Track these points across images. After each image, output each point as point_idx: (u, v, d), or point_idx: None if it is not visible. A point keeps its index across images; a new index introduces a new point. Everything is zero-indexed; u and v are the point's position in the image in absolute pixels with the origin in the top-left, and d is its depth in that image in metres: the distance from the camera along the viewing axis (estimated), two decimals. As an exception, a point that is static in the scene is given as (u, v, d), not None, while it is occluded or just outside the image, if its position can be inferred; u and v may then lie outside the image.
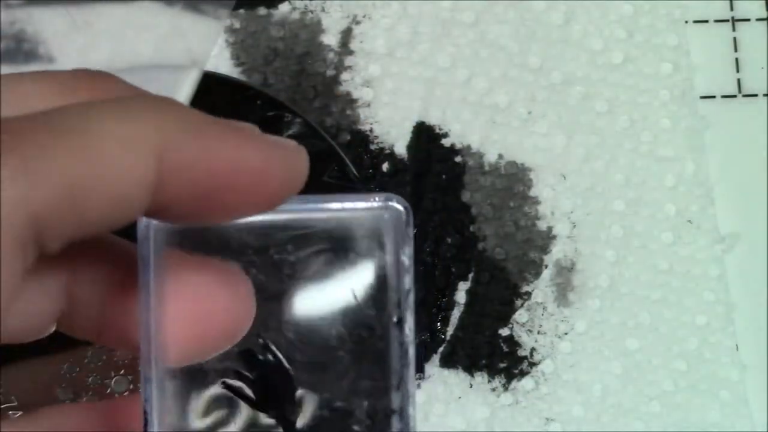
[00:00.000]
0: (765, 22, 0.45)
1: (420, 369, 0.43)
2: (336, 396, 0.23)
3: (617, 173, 0.44)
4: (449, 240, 0.43)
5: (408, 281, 0.23)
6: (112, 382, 0.40)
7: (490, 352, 0.43)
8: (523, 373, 0.43)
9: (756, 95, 0.45)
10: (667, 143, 0.44)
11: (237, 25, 0.44)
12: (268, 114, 0.42)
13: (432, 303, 0.43)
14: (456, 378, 0.43)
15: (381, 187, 0.43)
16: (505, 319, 0.43)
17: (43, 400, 0.40)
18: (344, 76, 0.44)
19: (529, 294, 0.43)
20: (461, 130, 0.44)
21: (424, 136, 0.44)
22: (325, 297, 0.23)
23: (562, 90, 0.44)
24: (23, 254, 0.19)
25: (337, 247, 0.24)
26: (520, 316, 0.43)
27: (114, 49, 0.44)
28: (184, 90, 0.42)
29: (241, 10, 0.44)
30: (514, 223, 0.43)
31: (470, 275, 0.43)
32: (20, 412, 0.39)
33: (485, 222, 0.43)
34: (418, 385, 0.43)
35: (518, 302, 0.43)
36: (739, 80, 0.45)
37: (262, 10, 0.44)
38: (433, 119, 0.44)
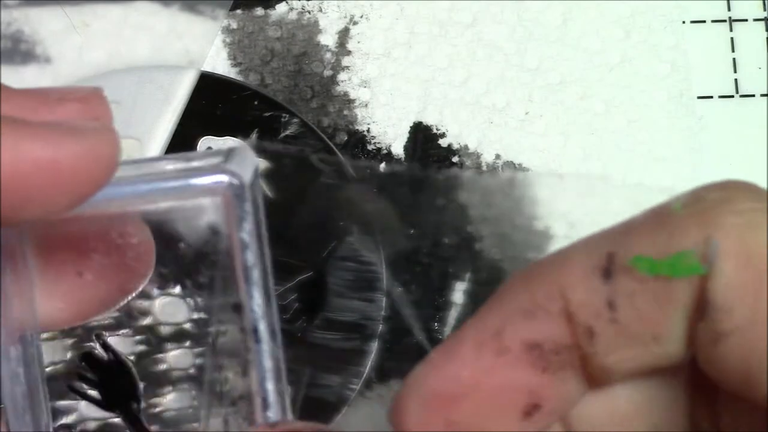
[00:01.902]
0: (762, 23, 0.45)
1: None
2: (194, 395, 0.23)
3: (614, 174, 0.44)
4: (446, 240, 0.43)
5: (250, 258, 0.22)
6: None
7: (487, 353, 0.43)
8: (520, 374, 0.43)
9: (753, 95, 0.45)
10: (664, 144, 0.44)
11: (234, 25, 0.44)
12: (265, 114, 0.42)
13: (429, 303, 0.43)
14: (453, 378, 0.43)
15: (379, 187, 0.43)
16: (502, 319, 0.43)
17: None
18: (341, 76, 0.44)
19: (526, 294, 0.43)
20: (458, 131, 0.44)
21: (422, 136, 0.44)
22: (159, 290, 0.23)
23: (560, 90, 0.44)
24: None
25: (167, 240, 0.23)
26: (517, 316, 0.43)
27: (111, 50, 0.44)
28: (181, 90, 0.42)
29: (239, 11, 0.44)
30: (511, 223, 0.43)
31: (467, 275, 0.43)
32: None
33: (482, 222, 0.43)
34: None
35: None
36: (736, 80, 0.45)
37: (259, 11, 0.44)
38: (430, 119, 0.44)
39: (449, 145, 0.44)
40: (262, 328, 0.22)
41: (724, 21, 0.45)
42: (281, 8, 0.44)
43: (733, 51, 0.45)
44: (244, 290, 0.22)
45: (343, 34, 0.44)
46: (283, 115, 0.42)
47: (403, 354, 0.43)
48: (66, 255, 0.23)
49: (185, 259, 0.23)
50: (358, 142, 0.44)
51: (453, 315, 0.43)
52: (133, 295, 0.23)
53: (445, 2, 0.44)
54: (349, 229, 0.41)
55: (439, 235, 0.43)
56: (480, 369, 0.21)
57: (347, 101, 0.44)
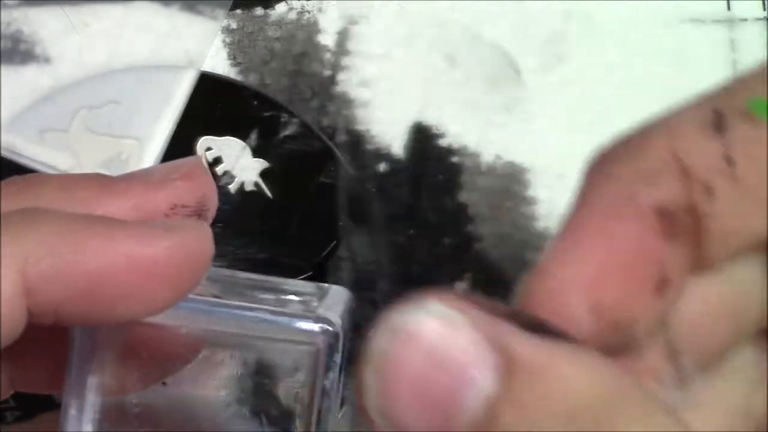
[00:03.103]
0: (762, 22, 0.45)
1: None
2: None
3: (614, 174, 0.44)
4: (446, 240, 0.43)
5: (326, 404, 0.23)
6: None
7: (487, 353, 0.43)
8: (519, 374, 0.43)
9: (753, 95, 0.45)
10: (664, 143, 0.44)
11: (234, 25, 0.44)
12: (265, 114, 0.42)
13: (429, 303, 0.43)
14: (453, 378, 0.43)
15: (378, 188, 0.43)
16: (502, 319, 0.43)
17: (42, 401, 0.40)
18: (341, 76, 0.44)
19: (525, 294, 0.43)
20: (458, 131, 0.44)
21: (421, 136, 0.44)
22: (235, 415, 0.24)
23: (560, 90, 0.44)
24: None
25: (251, 372, 0.24)
26: (517, 316, 0.43)
27: (111, 50, 0.44)
28: (180, 90, 0.42)
29: (238, 11, 0.44)
30: (511, 223, 0.43)
31: (467, 275, 0.43)
32: (18, 412, 0.39)
33: (482, 222, 0.43)
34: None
35: (515, 303, 0.43)
36: (736, 80, 0.45)
37: (259, 11, 0.44)
38: (429, 119, 0.44)
39: (449, 145, 0.44)
40: None
41: (725, 21, 0.45)
42: (281, 8, 0.44)
43: (733, 51, 0.45)
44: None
45: (343, 35, 0.44)
46: (283, 115, 0.42)
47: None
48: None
49: (262, 389, 0.24)
50: (357, 142, 0.44)
51: (453, 315, 0.43)
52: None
53: (445, 2, 0.44)
54: (349, 229, 0.41)
55: (439, 235, 0.43)
56: (617, 242, 0.20)
57: (347, 101, 0.44)
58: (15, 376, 0.25)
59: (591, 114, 0.44)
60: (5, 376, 0.24)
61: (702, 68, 0.45)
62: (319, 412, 0.23)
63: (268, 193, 0.41)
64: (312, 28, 0.44)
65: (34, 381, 0.25)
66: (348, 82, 0.44)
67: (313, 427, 0.23)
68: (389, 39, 0.44)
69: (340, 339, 0.23)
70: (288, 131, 0.42)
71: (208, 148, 0.41)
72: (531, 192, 0.44)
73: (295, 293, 0.24)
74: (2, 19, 0.44)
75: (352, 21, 0.44)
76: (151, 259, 0.21)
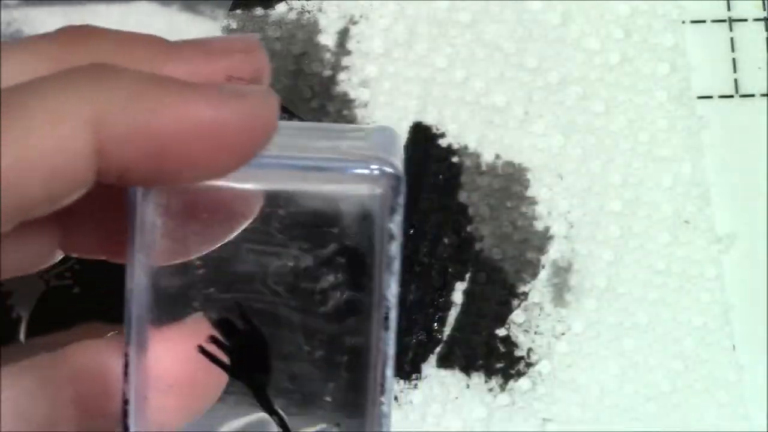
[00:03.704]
0: (762, 23, 0.45)
1: (417, 369, 0.43)
2: (308, 369, 0.23)
3: (614, 173, 0.44)
4: (446, 240, 0.43)
5: (394, 249, 0.22)
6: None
7: (487, 353, 0.43)
8: (520, 374, 0.43)
9: (753, 95, 0.45)
10: (664, 143, 0.44)
11: (234, 25, 0.44)
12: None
13: (429, 303, 0.43)
14: (453, 378, 0.43)
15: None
16: (502, 319, 0.43)
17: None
18: (341, 76, 0.44)
19: (526, 294, 0.43)
20: (458, 131, 0.44)
21: (421, 136, 0.44)
22: (308, 271, 0.23)
23: (559, 90, 0.44)
24: None
25: (322, 224, 0.23)
26: (517, 316, 0.43)
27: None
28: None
29: (238, 11, 0.44)
30: (511, 223, 0.43)
31: (467, 275, 0.43)
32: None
33: (482, 222, 0.43)
34: (415, 386, 0.43)
35: (515, 302, 0.43)
36: (736, 80, 0.45)
37: (258, 11, 0.44)
38: (430, 119, 0.44)
39: (449, 145, 0.44)
40: (392, 317, 0.22)
41: (724, 21, 0.45)
42: (281, 8, 0.44)
43: (733, 51, 0.45)
44: (384, 279, 0.22)
45: (343, 34, 0.44)
46: (283, 115, 0.42)
47: (403, 354, 0.43)
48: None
49: (326, 240, 0.23)
50: (357, 142, 0.44)
51: (453, 315, 0.43)
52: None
53: (445, 2, 0.44)
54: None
55: (439, 235, 0.43)
56: None
57: (347, 101, 0.44)
58: (63, 238, 0.24)
59: (591, 114, 0.44)
60: (53, 239, 0.24)
61: (702, 68, 0.45)
62: (388, 258, 0.22)
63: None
64: (312, 28, 0.44)
65: (82, 244, 0.24)
66: (348, 82, 0.44)
67: (383, 271, 0.22)
68: (389, 39, 0.44)
69: (402, 181, 0.22)
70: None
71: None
72: (531, 192, 0.44)
73: (349, 137, 0.24)
74: (2, 19, 0.44)
75: (352, 21, 0.44)
76: (224, 123, 0.21)
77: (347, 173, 0.23)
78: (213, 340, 0.23)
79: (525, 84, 0.44)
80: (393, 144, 0.24)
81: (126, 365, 0.22)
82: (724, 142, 0.44)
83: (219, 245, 0.23)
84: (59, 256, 0.24)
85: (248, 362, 0.23)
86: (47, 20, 0.44)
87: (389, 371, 0.23)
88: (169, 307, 0.23)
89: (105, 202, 0.23)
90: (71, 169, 0.20)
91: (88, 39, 0.22)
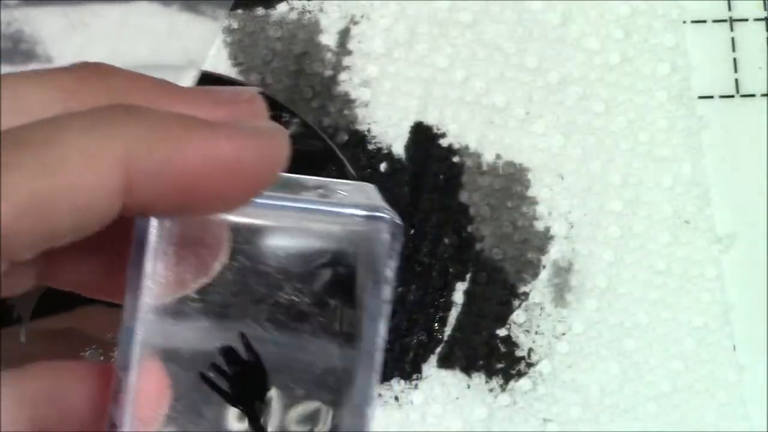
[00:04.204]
0: (763, 22, 0.45)
1: (417, 369, 0.43)
2: (302, 396, 0.24)
3: (614, 173, 0.44)
4: (447, 240, 0.43)
5: (387, 293, 0.23)
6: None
7: (488, 353, 0.43)
8: (520, 374, 0.43)
9: (754, 95, 0.45)
10: (664, 143, 0.44)
11: (235, 25, 0.44)
12: (266, 114, 0.42)
13: (429, 303, 0.43)
14: (453, 379, 0.43)
15: (379, 187, 0.43)
16: (503, 319, 0.43)
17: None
18: (342, 76, 0.44)
19: (526, 294, 0.43)
20: (459, 131, 0.44)
21: (422, 136, 0.44)
22: (304, 303, 0.24)
23: (560, 90, 0.44)
24: None
25: (325, 260, 0.24)
26: (518, 316, 0.43)
27: (111, 50, 0.44)
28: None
29: (239, 11, 0.44)
30: (512, 223, 0.43)
31: (468, 276, 0.43)
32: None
33: (483, 222, 0.43)
34: (416, 386, 0.43)
35: (516, 303, 0.43)
36: (736, 80, 0.45)
37: (260, 11, 0.44)
38: (430, 119, 0.44)
39: (449, 145, 0.44)
40: (378, 359, 0.24)
41: (725, 21, 0.45)
42: (282, 8, 0.44)
43: (733, 51, 0.45)
44: (371, 322, 0.24)
45: (344, 34, 0.44)
46: (284, 114, 0.42)
47: (403, 354, 0.43)
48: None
49: (325, 278, 0.25)
50: (358, 141, 0.44)
51: (453, 315, 0.43)
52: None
53: (445, 2, 0.44)
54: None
55: (440, 235, 0.43)
56: None
57: (348, 101, 0.44)
58: (43, 268, 0.25)
59: (591, 114, 0.44)
60: (32, 268, 0.24)
61: (702, 68, 0.45)
62: (381, 301, 0.23)
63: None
64: (313, 28, 0.44)
65: (61, 277, 0.25)
66: (349, 82, 0.44)
67: (379, 316, 0.24)
68: (390, 39, 0.44)
69: (401, 229, 0.24)
70: (289, 131, 0.42)
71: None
72: (531, 192, 0.44)
73: (343, 190, 0.25)
74: (3, 19, 0.44)
75: (353, 21, 0.44)
76: (245, 158, 0.21)
77: (351, 216, 0.24)
78: (214, 367, 0.24)
79: (525, 84, 0.44)
80: (381, 197, 0.25)
81: (117, 391, 0.23)
82: (724, 142, 0.44)
83: (213, 277, 0.24)
84: (33, 284, 0.25)
85: (247, 392, 0.24)
86: (47, 20, 0.44)
87: (369, 410, 0.24)
88: (168, 337, 0.24)
89: (92, 239, 0.24)
90: (100, 204, 0.21)
91: (104, 76, 0.23)
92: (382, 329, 0.24)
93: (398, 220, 0.24)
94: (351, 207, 0.24)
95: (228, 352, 0.24)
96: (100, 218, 0.21)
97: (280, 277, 0.24)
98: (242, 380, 0.24)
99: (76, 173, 0.20)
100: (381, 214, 0.24)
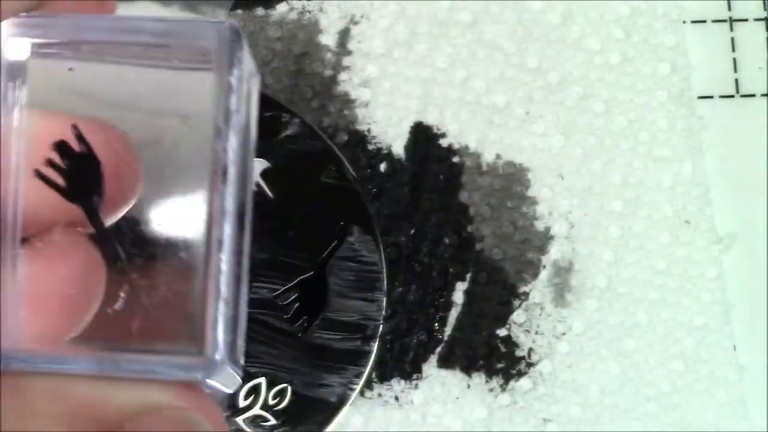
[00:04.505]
0: (763, 22, 0.45)
1: (417, 369, 0.43)
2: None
3: (615, 174, 0.44)
4: (447, 240, 0.43)
5: (234, 102, 0.23)
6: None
7: (488, 353, 0.43)
8: (520, 374, 0.43)
9: (754, 95, 0.45)
10: (664, 143, 0.44)
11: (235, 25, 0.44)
12: (266, 114, 0.42)
13: (429, 303, 0.43)
14: (453, 378, 0.43)
15: (379, 187, 0.43)
16: (503, 319, 0.43)
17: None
18: (342, 76, 0.44)
19: (526, 294, 0.43)
20: (459, 131, 0.44)
21: (422, 136, 0.44)
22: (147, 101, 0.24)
23: (560, 90, 0.44)
24: None
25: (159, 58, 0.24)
26: (518, 316, 0.43)
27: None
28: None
29: (239, 11, 0.44)
30: (512, 223, 0.43)
31: (468, 276, 0.43)
32: None
33: (483, 222, 0.43)
34: (416, 386, 0.43)
35: (516, 303, 0.43)
36: (737, 80, 0.45)
37: (259, 11, 0.44)
38: (430, 119, 0.44)
39: (449, 145, 0.44)
40: (233, 171, 0.22)
41: (725, 21, 0.45)
42: (282, 8, 0.44)
43: (733, 51, 0.45)
44: (222, 130, 0.22)
45: (344, 34, 0.44)
46: (284, 114, 0.42)
47: (403, 354, 0.43)
48: None
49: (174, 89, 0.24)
50: (358, 142, 0.44)
51: (454, 315, 0.43)
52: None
53: (445, 2, 0.44)
54: (349, 229, 0.41)
55: (440, 235, 0.43)
56: None
57: (348, 101, 0.44)
58: None
59: (591, 114, 0.44)
60: None
61: (702, 68, 0.45)
62: (227, 111, 0.22)
63: (269, 193, 0.41)
64: (313, 28, 0.44)
65: None
66: (349, 82, 0.44)
67: (221, 125, 0.23)
68: (390, 39, 0.44)
69: (242, 37, 0.23)
70: (289, 131, 0.42)
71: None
72: (531, 192, 0.44)
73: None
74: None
75: (353, 21, 0.44)
76: None
77: (192, 23, 0.23)
78: (49, 163, 0.23)
79: (525, 84, 0.44)
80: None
81: None
82: (725, 142, 0.44)
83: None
84: None
85: (83, 184, 0.23)
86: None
87: (228, 228, 0.22)
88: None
89: None
90: None
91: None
92: (234, 141, 0.22)
93: (240, 30, 0.23)
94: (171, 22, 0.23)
95: (61, 145, 0.23)
96: None
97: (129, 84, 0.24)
98: (77, 174, 0.23)
99: None
100: (208, 23, 0.23)
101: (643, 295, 0.43)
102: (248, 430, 0.40)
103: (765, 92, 0.45)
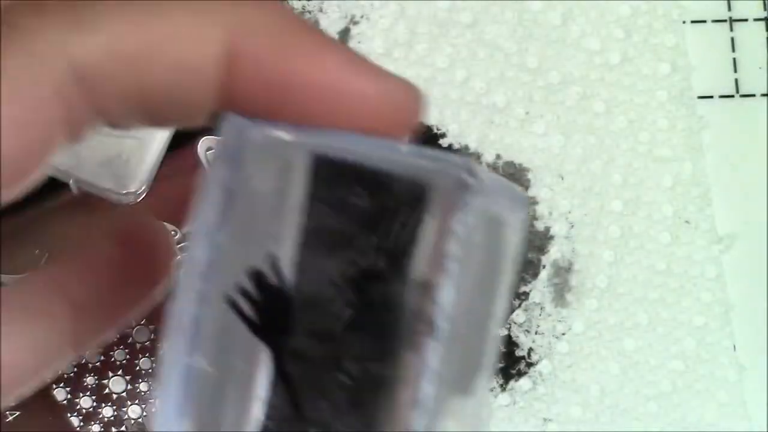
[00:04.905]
0: (763, 22, 0.45)
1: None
2: (328, 339, 0.21)
3: (615, 173, 0.44)
4: (447, 240, 0.43)
5: (456, 249, 0.20)
6: (110, 382, 0.40)
7: (488, 353, 0.43)
8: (520, 374, 0.43)
9: (754, 95, 0.45)
10: (664, 143, 0.44)
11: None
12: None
13: (430, 303, 0.43)
14: (453, 378, 0.43)
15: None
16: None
17: (40, 400, 0.40)
18: (342, 76, 0.44)
19: (526, 294, 0.43)
20: (459, 131, 0.44)
21: (422, 136, 0.44)
22: (347, 238, 0.21)
23: (560, 90, 0.44)
24: (63, 106, 0.18)
25: (377, 192, 0.21)
26: (518, 316, 0.43)
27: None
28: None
29: (239, 11, 0.44)
30: (512, 223, 0.43)
31: (468, 275, 0.43)
32: (17, 413, 0.39)
33: (483, 222, 0.43)
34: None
35: (516, 302, 0.43)
36: (736, 80, 0.45)
37: (259, 11, 0.44)
38: (430, 119, 0.44)
39: (450, 145, 0.44)
40: (444, 327, 0.19)
41: (725, 21, 0.45)
42: (282, 8, 0.44)
43: (733, 51, 0.45)
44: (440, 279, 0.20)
45: (344, 35, 0.44)
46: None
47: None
48: None
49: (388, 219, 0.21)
50: (358, 142, 0.44)
51: (453, 315, 0.43)
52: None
53: (445, 2, 0.44)
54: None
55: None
56: None
57: (348, 101, 0.44)
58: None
59: (591, 114, 0.44)
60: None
61: (702, 68, 0.45)
62: (443, 256, 0.20)
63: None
64: (313, 28, 0.44)
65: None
66: (349, 82, 0.44)
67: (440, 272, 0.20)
68: (390, 39, 0.44)
69: (481, 183, 0.20)
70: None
71: (209, 149, 0.41)
72: (531, 192, 0.44)
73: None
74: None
75: (353, 21, 0.44)
76: (360, 94, 0.20)
77: (440, 159, 0.21)
78: (242, 292, 0.21)
79: (525, 84, 0.44)
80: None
81: None
82: (725, 142, 0.44)
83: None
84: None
85: (274, 322, 0.21)
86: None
87: (429, 387, 0.19)
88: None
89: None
90: (199, 70, 0.19)
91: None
92: (449, 292, 0.19)
93: (478, 172, 0.20)
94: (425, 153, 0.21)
95: (257, 275, 0.21)
96: (197, 85, 0.19)
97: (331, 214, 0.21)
98: (268, 309, 0.21)
99: (181, 29, 0.19)
100: (454, 158, 0.20)
101: (643, 295, 0.43)
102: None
103: (765, 92, 0.45)
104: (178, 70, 0.19)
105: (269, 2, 0.20)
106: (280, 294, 0.21)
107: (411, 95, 0.21)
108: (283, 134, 0.20)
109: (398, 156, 0.21)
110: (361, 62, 0.20)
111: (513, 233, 0.22)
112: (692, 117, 0.44)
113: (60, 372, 0.37)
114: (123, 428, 0.40)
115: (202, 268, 0.20)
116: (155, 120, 0.20)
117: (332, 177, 0.21)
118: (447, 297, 0.19)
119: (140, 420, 0.40)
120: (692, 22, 0.45)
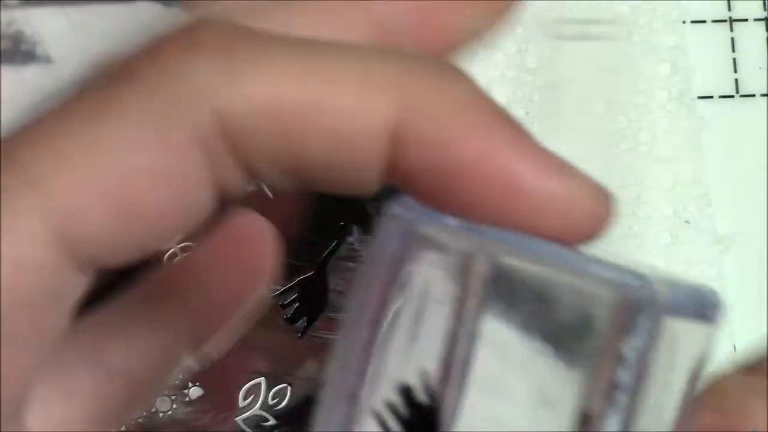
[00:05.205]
0: (763, 23, 0.45)
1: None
2: None
3: (615, 173, 0.44)
4: (447, 240, 0.43)
5: (626, 377, 0.17)
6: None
7: (488, 353, 0.43)
8: (520, 374, 0.43)
9: (754, 95, 0.45)
10: (664, 144, 0.44)
11: (235, 25, 0.44)
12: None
13: (429, 303, 0.43)
14: (453, 378, 0.43)
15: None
16: (503, 319, 0.43)
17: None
18: (342, 76, 0.44)
19: (526, 294, 0.43)
20: (459, 131, 0.44)
21: (422, 136, 0.44)
22: (510, 361, 0.19)
23: (560, 90, 0.44)
24: (205, 156, 0.17)
25: (543, 313, 0.19)
26: (518, 316, 0.43)
27: (111, 50, 0.44)
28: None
29: (239, 11, 0.44)
30: (512, 223, 0.43)
31: (468, 275, 0.43)
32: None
33: (483, 222, 0.43)
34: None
35: (516, 302, 0.43)
36: (736, 80, 0.45)
37: (259, 11, 0.44)
38: (430, 120, 0.44)
39: (449, 145, 0.44)
40: None
41: (725, 21, 0.45)
42: (282, 8, 0.44)
43: (733, 51, 0.45)
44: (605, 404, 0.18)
45: (344, 35, 0.44)
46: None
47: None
48: None
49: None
50: (358, 142, 0.44)
51: (453, 315, 0.43)
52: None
53: (445, 2, 0.44)
54: (349, 229, 0.41)
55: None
56: None
57: (348, 101, 0.44)
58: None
59: (591, 114, 0.44)
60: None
61: (702, 68, 0.45)
62: (615, 385, 0.17)
63: (269, 193, 0.41)
64: (313, 29, 0.44)
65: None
66: (348, 82, 0.44)
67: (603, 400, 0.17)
68: (390, 39, 0.44)
69: (655, 300, 0.18)
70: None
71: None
72: (531, 192, 0.44)
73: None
74: (3, 20, 0.44)
75: (353, 21, 0.44)
76: (546, 195, 0.17)
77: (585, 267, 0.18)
78: (390, 407, 0.20)
79: (525, 84, 0.44)
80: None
81: None
82: (725, 142, 0.44)
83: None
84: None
85: None
86: (48, 20, 0.44)
87: None
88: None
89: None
90: (356, 145, 0.17)
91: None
92: (614, 423, 0.17)
93: (655, 290, 0.18)
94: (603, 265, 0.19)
95: (407, 391, 0.19)
96: (352, 167, 0.17)
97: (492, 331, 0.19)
98: (415, 428, 0.19)
99: (343, 94, 0.17)
100: (631, 278, 0.18)
101: (642, 295, 0.43)
102: (248, 430, 0.40)
103: (765, 92, 0.45)
104: (336, 140, 0.17)
105: (448, 72, 0.18)
106: (430, 412, 0.20)
107: (602, 200, 0.18)
108: (467, 237, 0.18)
109: (582, 266, 0.18)
110: (547, 154, 0.18)
111: (692, 344, 0.20)
112: (692, 117, 0.44)
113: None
114: (123, 428, 0.40)
115: (350, 389, 0.20)
116: (317, 187, 0.18)
117: (513, 289, 0.19)
118: (611, 427, 0.17)
119: (140, 420, 0.40)
120: (692, 22, 0.45)
